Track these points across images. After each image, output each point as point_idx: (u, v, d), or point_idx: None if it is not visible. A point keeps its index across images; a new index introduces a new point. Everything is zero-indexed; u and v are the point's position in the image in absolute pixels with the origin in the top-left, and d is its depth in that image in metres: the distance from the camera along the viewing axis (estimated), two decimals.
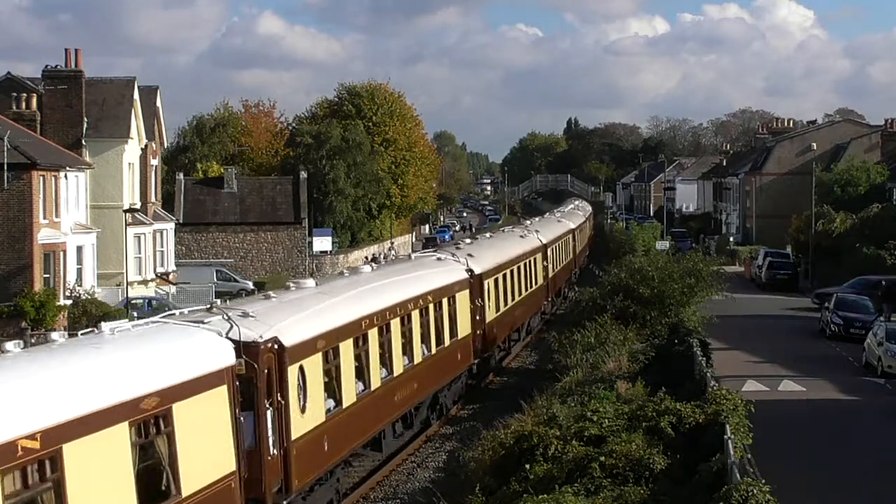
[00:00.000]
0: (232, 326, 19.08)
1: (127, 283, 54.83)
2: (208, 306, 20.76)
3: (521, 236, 49.36)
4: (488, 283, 36.73)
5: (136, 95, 61.03)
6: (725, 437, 19.20)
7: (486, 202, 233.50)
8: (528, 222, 63.00)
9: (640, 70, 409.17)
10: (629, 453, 19.63)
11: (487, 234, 50.74)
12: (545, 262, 50.86)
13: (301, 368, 20.63)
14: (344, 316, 23.67)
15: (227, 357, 18.33)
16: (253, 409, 19.06)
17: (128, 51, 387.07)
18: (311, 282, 25.68)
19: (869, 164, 79.78)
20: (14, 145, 48.03)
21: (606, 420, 22.11)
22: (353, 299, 25.13)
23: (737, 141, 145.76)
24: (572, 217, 76.14)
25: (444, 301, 31.27)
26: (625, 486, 18.80)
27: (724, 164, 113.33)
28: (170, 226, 64.82)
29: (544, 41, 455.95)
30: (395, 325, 26.70)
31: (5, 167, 47.60)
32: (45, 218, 49.56)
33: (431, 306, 29.89)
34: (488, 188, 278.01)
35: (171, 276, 62.91)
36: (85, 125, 57.40)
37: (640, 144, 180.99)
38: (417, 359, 28.30)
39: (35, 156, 48.70)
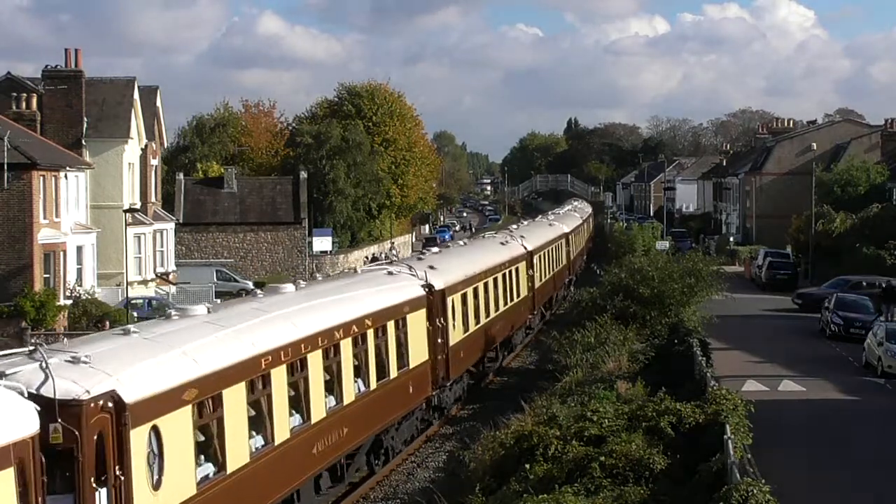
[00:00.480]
0: (46, 378, 14.54)
1: (127, 283, 54.81)
2: (31, 348, 16.08)
3: (502, 243, 44.67)
4: (453, 300, 31.98)
5: (136, 95, 61.03)
6: (725, 437, 19.22)
7: (486, 202, 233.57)
8: (515, 226, 58.15)
9: (640, 70, 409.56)
10: (629, 453, 19.65)
11: (461, 242, 45.80)
12: (530, 271, 46.47)
13: (155, 430, 16.13)
14: (233, 353, 18.86)
15: (20, 425, 13.63)
16: (74, 493, 14.66)
17: (128, 51, 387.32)
18: (200, 309, 20.79)
19: (869, 164, 79.80)
20: (14, 145, 48.03)
21: (606, 420, 22.13)
22: (252, 330, 20.18)
23: (737, 141, 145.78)
24: (566, 220, 71.81)
25: (390, 325, 26.51)
26: (625, 486, 18.83)
27: (724, 164, 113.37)
28: (170, 226, 64.82)
29: (544, 41, 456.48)
30: (315, 359, 21.90)
31: (5, 167, 47.60)
32: (45, 218, 49.56)
33: (371, 332, 25.10)
34: (488, 188, 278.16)
35: (171, 276, 62.92)
36: (85, 125, 57.40)
37: (640, 144, 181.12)
38: (348, 398, 23.60)
39: (35, 156, 48.70)
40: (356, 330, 24.18)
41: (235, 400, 18.55)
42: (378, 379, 25.43)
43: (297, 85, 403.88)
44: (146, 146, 62.62)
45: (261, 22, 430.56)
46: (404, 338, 27.41)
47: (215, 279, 65.99)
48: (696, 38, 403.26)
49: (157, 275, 61.31)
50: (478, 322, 35.55)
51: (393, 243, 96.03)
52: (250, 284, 63.84)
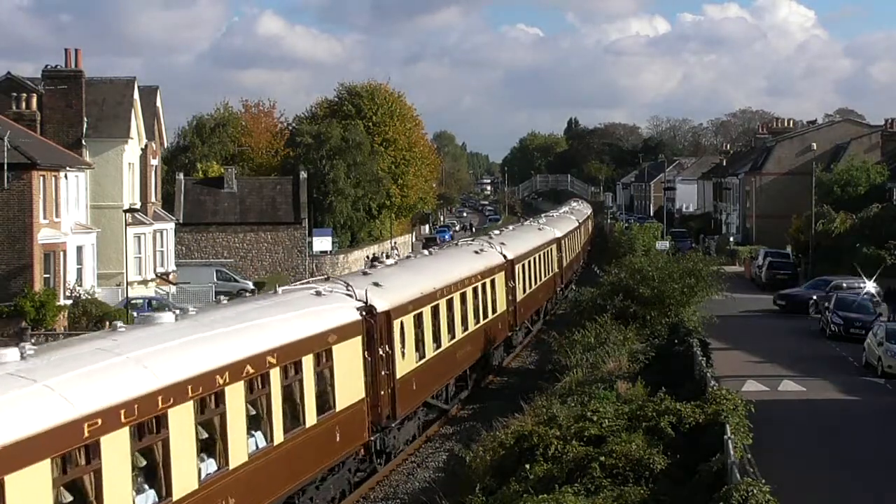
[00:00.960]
0: None
1: (127, 283, 54.84)
2: None
3: (477, 252, 39.50)
4: (402, 323, 27.14)
5: (136, 95, 61.07)
6: (725, 437, 19.22)
7: (486, 202, 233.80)
8: (497, 232, 52.30)
9: (640, 70, 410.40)
10: (629, 453, 19.65)
11: (426, 252, 40.40)
12: (511, 283, 41.61)
13: None
14: (31, 420, 13.95)
15: None
16: None
17: (128, 51, 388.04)
18: (11, 354, 15.43)
19: (869, 164, 79.81)
20: (14, 145, 48.05)
21: (606, 420, 22.13)
22: (75, 383, 15.12)
23: (737, 141, 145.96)
24: (559, 223, 66.17)
25: (307, 360, 21.46)
26: (625, 486, 18.83)
27: (724, 164, 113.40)
28: (170, 226, 64.85)
29: (545, 41, 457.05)
30: (182, 414, 16.94)
31: (5, 167, 47.62)
32: (45, 218, 49.58)
33: (276, 372, 20.08)
34: (488, 188, 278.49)
35: (171, 276, 62.95)
36: (85, 125, 57.43)
37: (640, 144, 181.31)
38: (238, 459, 18.55)
39: (35, 156, 48.72)
40: (252, 371, 19.18)
41: (29, 486, 13.60)
42: (287, 429, 20.48)
43: (298, 85, 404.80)
44: (146, 146, 62.65)
45: (261, 22, 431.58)
46: (329, 374, 22.51)
47: (215, 279, 66.04)
48: (697, 38, 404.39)
49: (157, 275, 61.34)
50: (438, 346, 30.66)
51: (395, 243, 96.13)
52: (250, 284, 64.00)
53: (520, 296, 43.40)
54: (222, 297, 22.37)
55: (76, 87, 56.79)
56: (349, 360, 23.53)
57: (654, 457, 19.57)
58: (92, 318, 49.07)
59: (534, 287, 47.85)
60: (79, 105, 56.96)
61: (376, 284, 26.74)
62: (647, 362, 31.27)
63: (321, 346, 22.20)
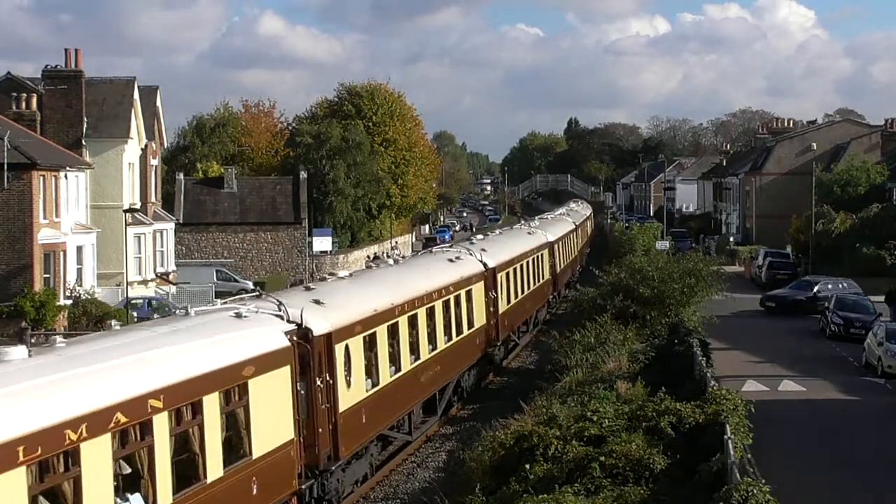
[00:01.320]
0: None
1: (127, 283, 54.84)
2: None
3: (451, 260, 35.33)
4: (347, 347, 23.10)
5: (136, 95, 61.08)
6: (725, 437, 19.23)
7: (486, 202, 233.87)
8: (481, 236, 48.10)
9: (640, 70, 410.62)
10: (629, 453, 19.66)
11: (390, 261, 34.77)
12: (492, 293, 37.81)
13: None
14: None
15: None
16: None
17: (128, 51, 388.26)
18: None
19: (869, 164, 79.84)
20: (14, 145, 48.05)
21: (606, 420, 22.15)
22: None
23: (737, 141, 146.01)
24: (553, 226, 61.97)
25: (211, 399, 17.53)
26: (625, 486, 18.84)
27: (724, 164, 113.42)
28: (170, 226, 64.86)
29: (545, 41, 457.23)
30: (6, 486, 12.98)
31: (5, 167, 47.62)
32: (45, 218, 49.58)
33: (163, 418, 16.20)
34: (488, 188, 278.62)
35: (171, 276, 62.96)
36: (85, 125, 57.45)
37: (640, 144, 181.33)
38: None
39: (35, 156, 48.72)
40: (124, 419, 15.30)
41: None
42: (179, 489, 16.56)
43: (298, 85, 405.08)
44: (146, 146, 62.66)
45: (261, 22, 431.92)
46: (243, 414, 18.61)
47: (215, 279, 66.06)
48: (697, 38, 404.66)
49: (157, 275, 61.34)
50: (398, 370, 26.86)
51: (395, 243, 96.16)
52: (250, 284, 63.95)
53: (503, 307, 39.54)
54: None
55: (76, 87, 56.80)
56: (272, 396, 19.55)
57: (654, 457, 19.59)
58: (92, 318, 49.08)
59: (520, 297, 44.12)
60: (79, 105, 56.98)
61: (317, 302, 22.76)
62: (647, 362, 31.28)
63: (232, 382, 18.30)
